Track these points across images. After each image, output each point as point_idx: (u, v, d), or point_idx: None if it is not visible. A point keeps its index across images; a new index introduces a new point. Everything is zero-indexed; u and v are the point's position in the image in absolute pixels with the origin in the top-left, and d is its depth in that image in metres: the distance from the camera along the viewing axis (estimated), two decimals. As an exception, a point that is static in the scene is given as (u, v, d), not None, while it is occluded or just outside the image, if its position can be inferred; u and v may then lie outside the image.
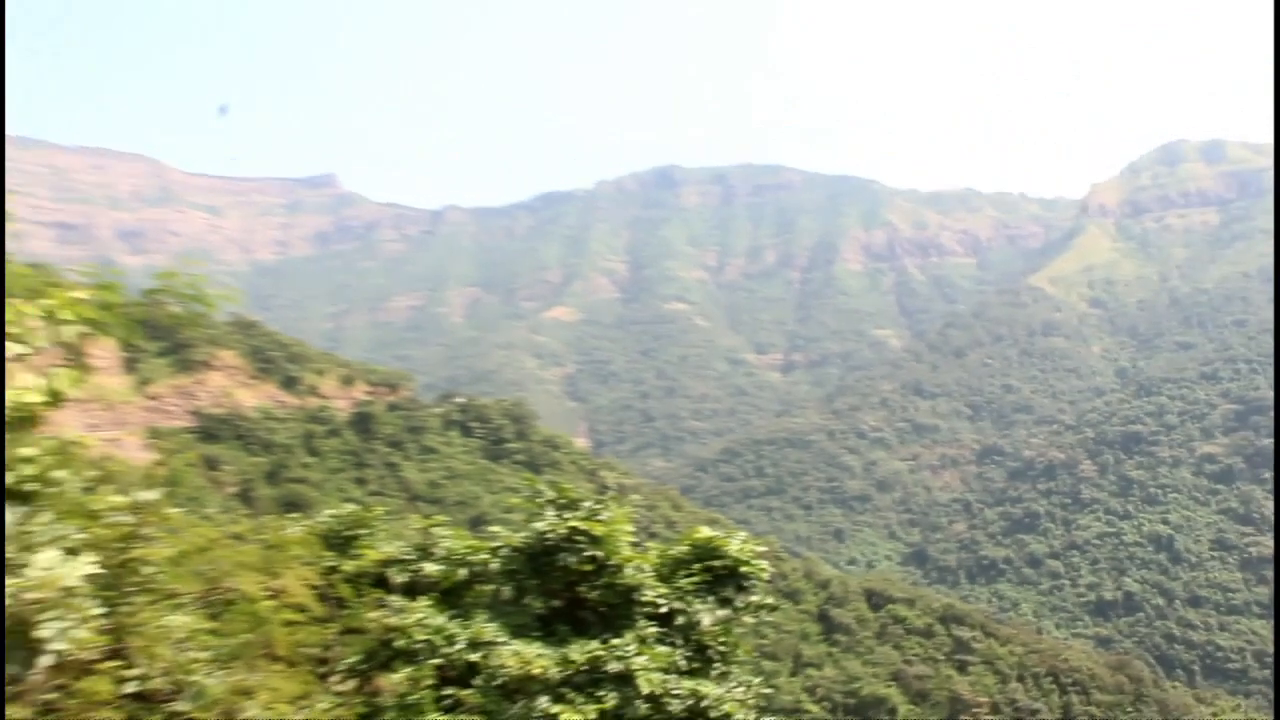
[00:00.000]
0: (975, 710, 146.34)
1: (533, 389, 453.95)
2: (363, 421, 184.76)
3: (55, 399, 10.19)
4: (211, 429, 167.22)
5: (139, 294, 11.94)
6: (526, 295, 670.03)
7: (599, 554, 19.46)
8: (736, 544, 20.73)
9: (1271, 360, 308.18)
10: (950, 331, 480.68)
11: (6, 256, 10.97)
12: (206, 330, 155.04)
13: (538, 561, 19.78)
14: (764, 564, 20.89)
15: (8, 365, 10.16)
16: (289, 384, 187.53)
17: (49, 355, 10.68)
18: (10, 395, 9.95)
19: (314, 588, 18.75)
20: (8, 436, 9.80)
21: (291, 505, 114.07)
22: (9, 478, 9.41)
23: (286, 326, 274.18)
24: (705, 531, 21.05)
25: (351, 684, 18.78)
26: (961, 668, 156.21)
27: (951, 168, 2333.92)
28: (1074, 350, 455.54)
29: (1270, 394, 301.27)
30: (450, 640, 18.12)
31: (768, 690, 20.94)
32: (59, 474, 9.79)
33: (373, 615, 19.09)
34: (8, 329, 10.12)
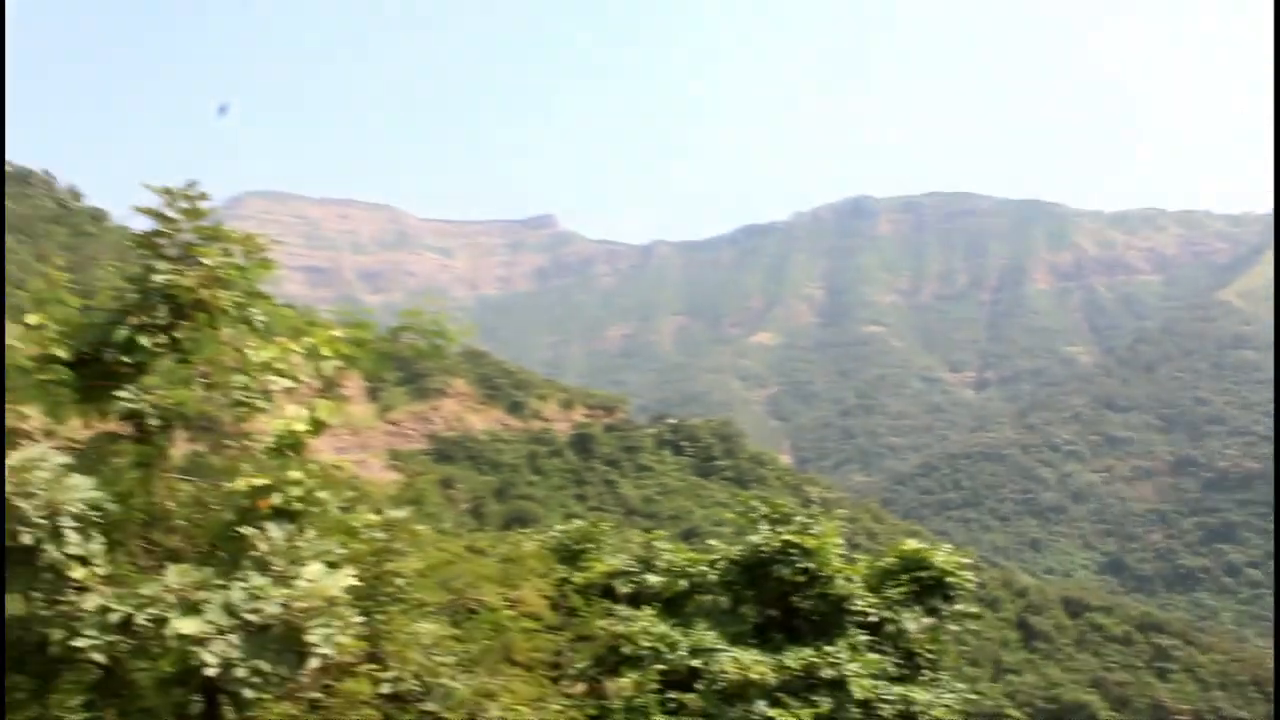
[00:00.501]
0: (1178, 718, 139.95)
1: (739, 409, 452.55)
2: (582, 442, 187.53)
3: (317, 427, 10.56)
4: (445, 450, 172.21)
5: (384, 330, 12.32)
6: (731, 322, 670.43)
7: (811, 566, 19.28)
8: (942, 555, 20.35)
9: None
10: (1140, 347, 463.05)
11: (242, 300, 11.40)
12: (441, 361, 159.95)
13: (753, 573, 19.73)
14: (969, 574, 20.46)
15: (279, 398, 10.57)
16: (514, 408, 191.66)
17: (310, 388, 11.08)
18: (279, 424, 10.34)
19: (547, 598, 19.04)
20: (279, 461, 10.18)
21: (518, 521, 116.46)
22: (278, 499, 9.76)
23: (511, 356, 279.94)
24: (912, 544, 20.71)
25: (582, 688, 18.99)
26: (1162, 675, 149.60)
27: (1135, 188, 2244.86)
28: (1266, 362, 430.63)
29: None
30: (673, 647, 18.19)
31: (973, 696, 20.45)
32: (322, 495, 10.11)
33: (601, 623, 19.27)
34: (277, 366, 10.53)
